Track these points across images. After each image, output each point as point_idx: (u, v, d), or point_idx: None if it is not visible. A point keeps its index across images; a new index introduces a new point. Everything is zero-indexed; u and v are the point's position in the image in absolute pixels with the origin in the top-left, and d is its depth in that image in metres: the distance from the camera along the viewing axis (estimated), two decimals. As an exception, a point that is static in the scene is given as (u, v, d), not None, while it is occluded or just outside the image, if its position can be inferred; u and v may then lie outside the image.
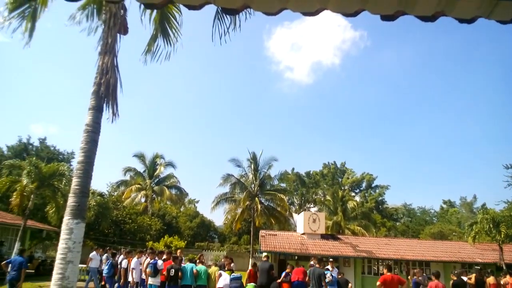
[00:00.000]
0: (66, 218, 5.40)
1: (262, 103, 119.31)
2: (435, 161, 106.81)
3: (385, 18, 2.56)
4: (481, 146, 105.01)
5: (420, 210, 72.71)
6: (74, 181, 5.94)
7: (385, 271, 10.99)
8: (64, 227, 5.29)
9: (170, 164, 48.35)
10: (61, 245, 5.21)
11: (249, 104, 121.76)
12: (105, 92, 6.82)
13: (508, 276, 13.11)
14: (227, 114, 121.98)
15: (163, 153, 50.50)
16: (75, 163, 7.02)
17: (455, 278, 12.11)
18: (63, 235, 5.24)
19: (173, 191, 48.20)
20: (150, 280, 12.13)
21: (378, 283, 10.56)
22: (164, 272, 11.96)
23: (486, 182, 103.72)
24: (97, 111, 6.58)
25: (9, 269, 11.32)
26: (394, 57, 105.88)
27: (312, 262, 12.52)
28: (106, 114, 7.16)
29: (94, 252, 16.73)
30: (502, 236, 27.58)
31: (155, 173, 47.68)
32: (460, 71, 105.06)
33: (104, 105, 7.05)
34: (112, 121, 6.92)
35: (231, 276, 11.74)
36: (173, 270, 11.77)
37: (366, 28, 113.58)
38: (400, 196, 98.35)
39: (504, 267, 24.44)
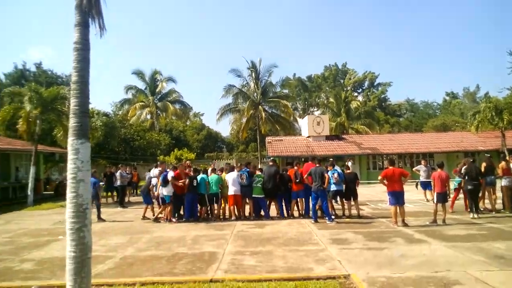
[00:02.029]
0: (71, 139, 5.34)
1: (256, 8, 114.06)
2: (437, 53, 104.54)
3: None
4: (484, 31, 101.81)
5: (423, 104, 72.75)
6: (72, 101, 5.76)
7: (387, 165, 11.28)
8: (69, 148, 5.26)
9: (170, 79, 47.74)
10: (70, 165, 5.22)
11: (242, 10, 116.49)
12: (88, 6, 6.29)
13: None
14: (223, 23, 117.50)
15: (161, 69, 49.55)
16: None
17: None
18: (70, 156, 5.24)
19: (177, 106, 48.14)
20: (163, 191, 12.57)
21: (379, 177, 10.95)
22: (180, 183, 12.28)
23: (489, 70, 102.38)
24: (83, 27, 6.13)
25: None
26: None
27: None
28: (94, 30, 6.69)
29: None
30: (505, 122, 27.73)
31: (157, 90, 47.24)
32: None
33: (90, 19, 6.56)
34: (101, 36, 6.49)
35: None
36: (195, 180, 12.45)
37: None
38: (403, 92, 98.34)
39: (506, 153, 24.96)
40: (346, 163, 25.49)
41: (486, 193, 13.02)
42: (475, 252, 7.55)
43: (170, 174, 12.51)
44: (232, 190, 12.32)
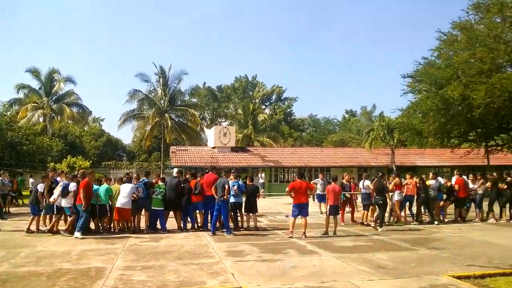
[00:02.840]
0: None
1: (169, 13, 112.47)
2: (341, 73, 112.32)
3: None
4: (381, 56, 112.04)
5: (325, 120, 77.13)
6: None
7: (296, 177, 11.61)
8: None
9: (69, 80, 44.60)
10: None
11: (155, 14, 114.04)
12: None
13: (408, 176, 14.59)
14: (131, 25, 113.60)
15: (60, 68, 46.00)
16: None
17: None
18: None
19: (75, 109, 45.09)
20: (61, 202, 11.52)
21: (287, 189, 11.21)
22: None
23: (385, 92, 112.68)
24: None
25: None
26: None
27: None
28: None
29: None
30: (395, 141, 30.52)
31: (53, 90, 43.90)
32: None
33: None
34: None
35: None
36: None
37: None
38: (307, 108, 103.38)
39: (394, 169, 27.32)
40: (259, 174, 26.89)
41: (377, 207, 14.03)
42: (360, 262, 7.98)
43: (72, 185, 11.44)
44: (119, 203, 11.54)
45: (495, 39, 20.34)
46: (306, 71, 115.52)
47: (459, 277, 6.71)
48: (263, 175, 29.39)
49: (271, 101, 71.67)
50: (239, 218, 12.86)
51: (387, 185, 13.34)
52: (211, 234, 11.42)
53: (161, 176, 13.28)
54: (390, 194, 13.78)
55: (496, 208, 14.76)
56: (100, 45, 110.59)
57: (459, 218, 14.50)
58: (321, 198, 16.74)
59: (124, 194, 11.55)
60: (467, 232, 12.10)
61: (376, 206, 12.83)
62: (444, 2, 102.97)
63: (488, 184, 14.72)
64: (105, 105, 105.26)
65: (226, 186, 11.37)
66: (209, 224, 12.15)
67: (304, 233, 10.92)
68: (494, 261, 8.01)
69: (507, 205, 14.90)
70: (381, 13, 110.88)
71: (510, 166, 30.62)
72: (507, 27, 21.20)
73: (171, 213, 12.67)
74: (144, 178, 12.54)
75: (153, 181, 12.51)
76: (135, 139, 49.80)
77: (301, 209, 10.94)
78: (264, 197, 26.14)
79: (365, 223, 13.51)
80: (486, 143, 26.26)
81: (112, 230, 12.09)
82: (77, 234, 10.93)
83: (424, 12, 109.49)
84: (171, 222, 12.55)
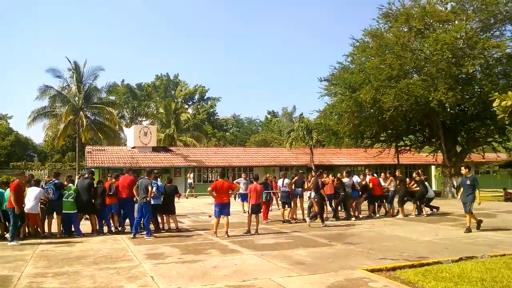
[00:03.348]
0: None
1: (84, 6, 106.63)
2: (263, 73, 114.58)
3: None
4: (302, 60, 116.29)
5: (248, 120, 78.17)
6: None
7: (218, 177, 11.65)
8: None
9: (-30, 74, 40.50)
10: None
11: (68, 6, 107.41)
12: None
13: (325, 175, 15.20)
14: (44, 15, 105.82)
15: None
16: None
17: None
18: None
19: (-23, 106, 41.14)
20: None
21: (209, 188, 11.16)
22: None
23: (305, 94, 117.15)
24: None
25: None
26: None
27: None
28: None
29: None
30: (314, 141, 31.86)
31: (-50, 84, 39.59)
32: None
33: None
34: None
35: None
36: None
37: None
38: (230, 108, 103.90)
39: (313, 168, 28.43)
40: (188, 174, 26.49)
41: (299, 204, 14.54)
42: (281, 259, 8.14)
43: None
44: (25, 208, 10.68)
45: (403, 47, 22.05)
46: (229, 71, 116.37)
47: (372, 270, 7.09)
48: (191, 175, 28.92)
49: (194, 100, 71.01)
50: (159, 220, 12.54)
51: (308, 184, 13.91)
52: (131, 237, 10.98)
53: (69, 178, 12.19)
54: (309, 192, 14.27)
55: (408, 204, 15.88)
56: (8, 37, 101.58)
57: (372, 214, 15.47)
58: (244, 197, 16.89)
59: (30, 197, 10.73)
60: (380, 227, 12.89)
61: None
62: (356, 8, 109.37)
63: (397, 182, 15.87)
64: (13, 101, 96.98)
65: (149, 188, 11.03)
66: (126, 227, 11.69)
67: (227, 232, 10.93)
68: (404, 254, 8.58)
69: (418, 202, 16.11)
70: (299, 17, 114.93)
71: (418, 165, 33.35)
72: (413, 36, 23.09)
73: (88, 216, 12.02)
74: (54, 179, 11.72)
75: (64, 182, 11.75)
76: (47, 138, 46.51)
77: (223, 209, 10.98)
78: (187, 197, 25.89)
79: (285, 220, 13.90)
80: (396, 143, 28.39)
81: (21, 236, 11.14)
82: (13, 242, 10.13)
83: (340, 17, 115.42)
84: (88, 226, 11.93)
